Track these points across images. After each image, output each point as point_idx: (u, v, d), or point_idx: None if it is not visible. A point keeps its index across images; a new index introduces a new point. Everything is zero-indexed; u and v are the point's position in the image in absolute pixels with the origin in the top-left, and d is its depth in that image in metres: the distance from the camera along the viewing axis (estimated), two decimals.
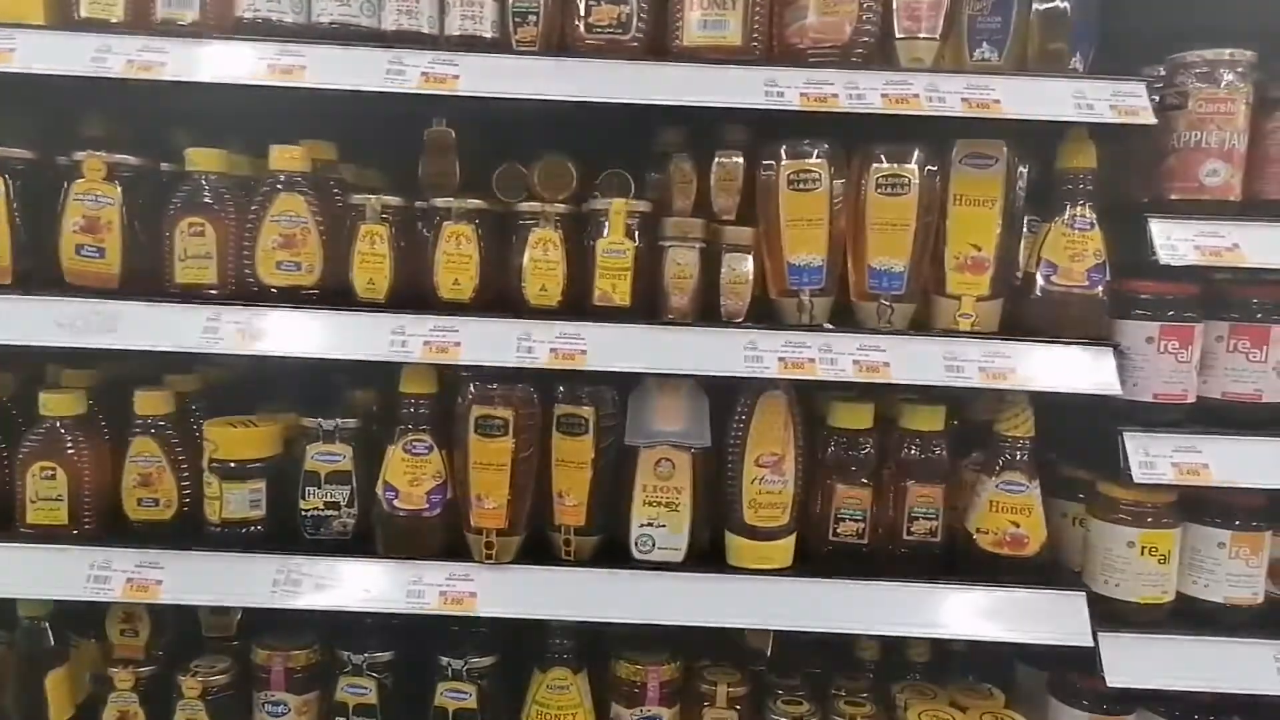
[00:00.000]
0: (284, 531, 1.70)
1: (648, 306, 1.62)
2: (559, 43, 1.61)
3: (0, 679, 1.75)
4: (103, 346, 1.55)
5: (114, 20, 1.57)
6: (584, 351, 1.57)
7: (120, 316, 1.57)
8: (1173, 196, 1.62)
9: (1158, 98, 1.62)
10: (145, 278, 1.64)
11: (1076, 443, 1.80)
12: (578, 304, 1.62)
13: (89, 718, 1.75)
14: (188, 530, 1.70)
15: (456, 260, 1.59)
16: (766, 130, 1.66)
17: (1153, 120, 1.50)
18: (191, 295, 1.61)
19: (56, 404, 1.65)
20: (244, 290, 1.63)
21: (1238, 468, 1.59)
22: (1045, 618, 1.65)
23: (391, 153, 1.86)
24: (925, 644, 2.00)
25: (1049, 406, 1.70)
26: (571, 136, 1.81)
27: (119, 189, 1.60)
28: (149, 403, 1.68)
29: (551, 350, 1.57)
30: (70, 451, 1.65)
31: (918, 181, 1.58)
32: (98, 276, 1.61)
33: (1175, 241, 1.54)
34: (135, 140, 1.77)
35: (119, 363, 1.81)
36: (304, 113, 1.79)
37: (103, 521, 1.69)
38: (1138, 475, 1.57)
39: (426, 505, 1.65)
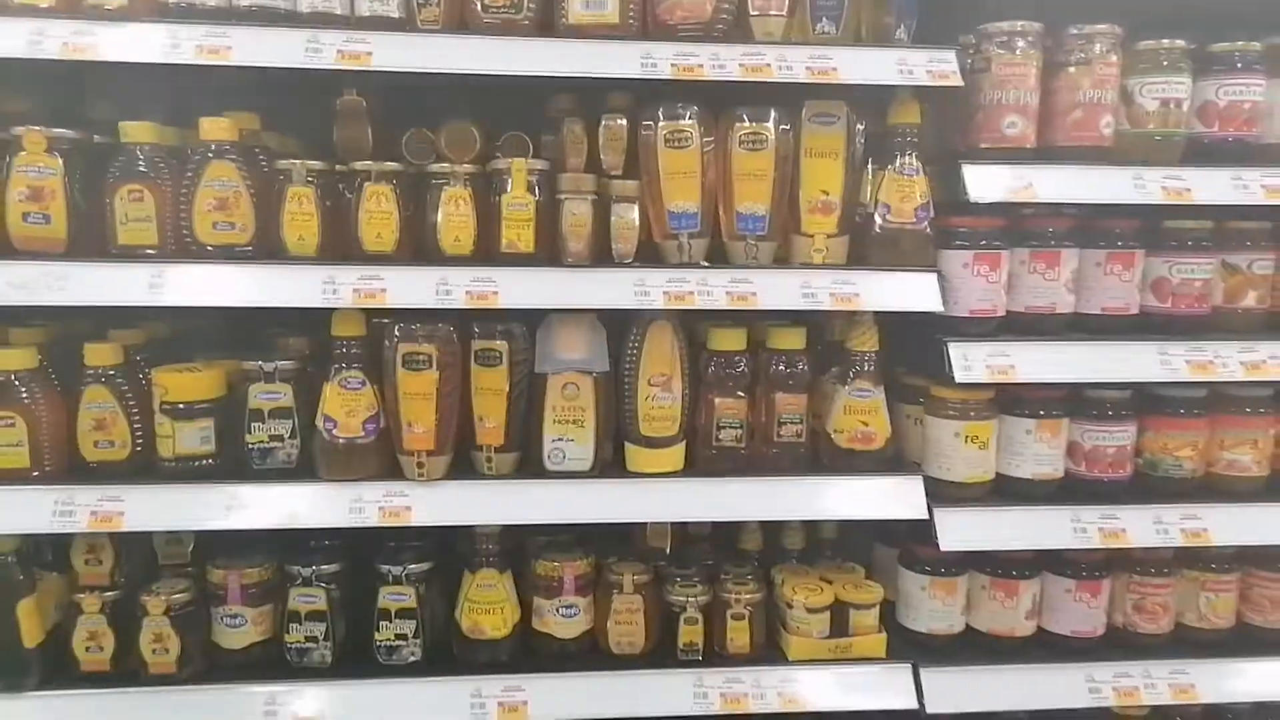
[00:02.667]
0: (233, 464, 1.91)
1: (549, 252, 1.87)
2: (459, 22, 1.81)
3: None
4: (56, 304, 1.72)
5: (43, 6, 1.71)
6: (496, 292, 1.81)
7: (69, 276, 1.73)
8: (982, 145, 1.94)
9: (970, 62, 1.94)
10: (90, 241, 1.80)
11: (919, 356, 2.13)
12: (488, 252, 1.86)
13: (58, 640, 1.93)
14: (141, 467, 1.89)
15: (378, 216, 1.81)
16: (650, 95, 1.91)
17: (960, 83, 1.81)
18: (134, 255, 1.79)
19: (9, 359, 1.81)
20: (183, 250, 1.81)
21: (1039, 367, 1.95)
22: (891, 498, 1.99)
23: (306, 121, 2.04)
24: (800, 533, 2.34)
25: (896, 326, 2.02)
26: (476, 104, 2.02)
27: (60, 160, 1.75)
28: (99, 354, 1.85)
29: (467, 292, 1.80)
30: (26, 401, 1.81)
31: (774, 138, 1.86)
32: (45, 241, 1.77)
33: (982, 182, 1.86)
34: (74, 116, 1.91)
35: (67, 322, 1.97)
36: (224, 87, 1.96)
37: (62, 464, 1.86)
38: (959, 376, 1.91)
39: (363, 433, 1.88)
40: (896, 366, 2.20)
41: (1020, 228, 1.98)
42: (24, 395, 1.81)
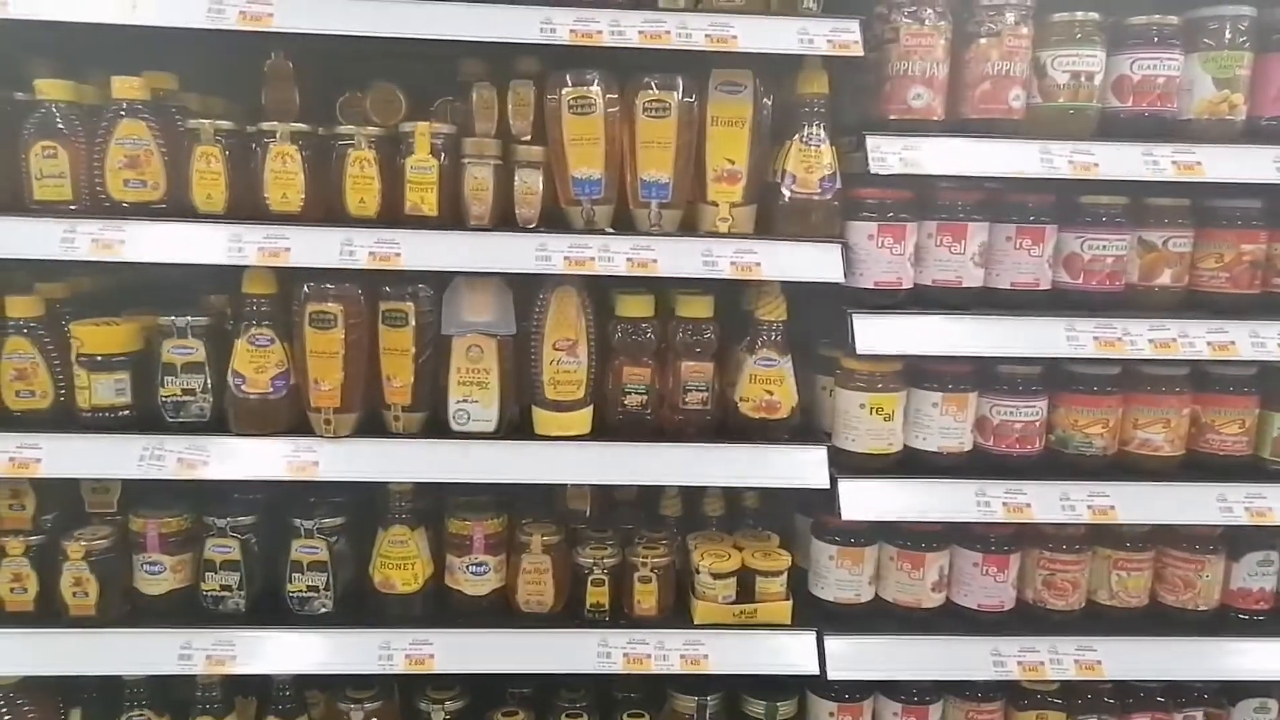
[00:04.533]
0: (149, 417, 1.97)
1: (454, 215, 1.90)
2: None
3: None
4: None
5: None
6: (399, 254, 1.85)
7: None
8: (890, 117, 1.93)
9: (881, 33, 1.93)
10: (8, 196, 1.86)
11: (837, 328, 2.14)
12: (393, 214, 1.89)
13: None
14: (63, 417, 1.95)
15: (283, 177, 1.84)
16: (564, 62, 1.92)
17: (861, 53, 1.81)
18: (49, 210, 1.84)
19: None
20: (98, 206, 1.86)
21: (941, 340, 1.95)
22: (794, 467, 2.01)
23: (243, 83, 2.08)
24: (719, 501, 2.38)
25: (817, 298, 2.03)
26: (404, 69, 2.05)
27: None
28: (20, 306, 1.92)
29: (370, 253, 1.84)
30: None
31: (677, 105, 1.87)
32: None
33: (884, 154, 1.86)
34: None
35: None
36: (161, 47, 1.98)
37: None
38: (860, 348, 1.92)
39: (271, 389, 1.93)
40: (821, 339, 2.21)
41: (928, 200, 1.97)
42: None
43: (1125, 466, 2.10)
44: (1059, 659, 2.10)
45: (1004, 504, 2.02)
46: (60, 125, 1.84)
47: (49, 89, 1.83)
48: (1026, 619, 2.16)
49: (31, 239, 1.79)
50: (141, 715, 2.08)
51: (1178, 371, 2.07)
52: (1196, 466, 2.11)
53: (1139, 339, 1.96)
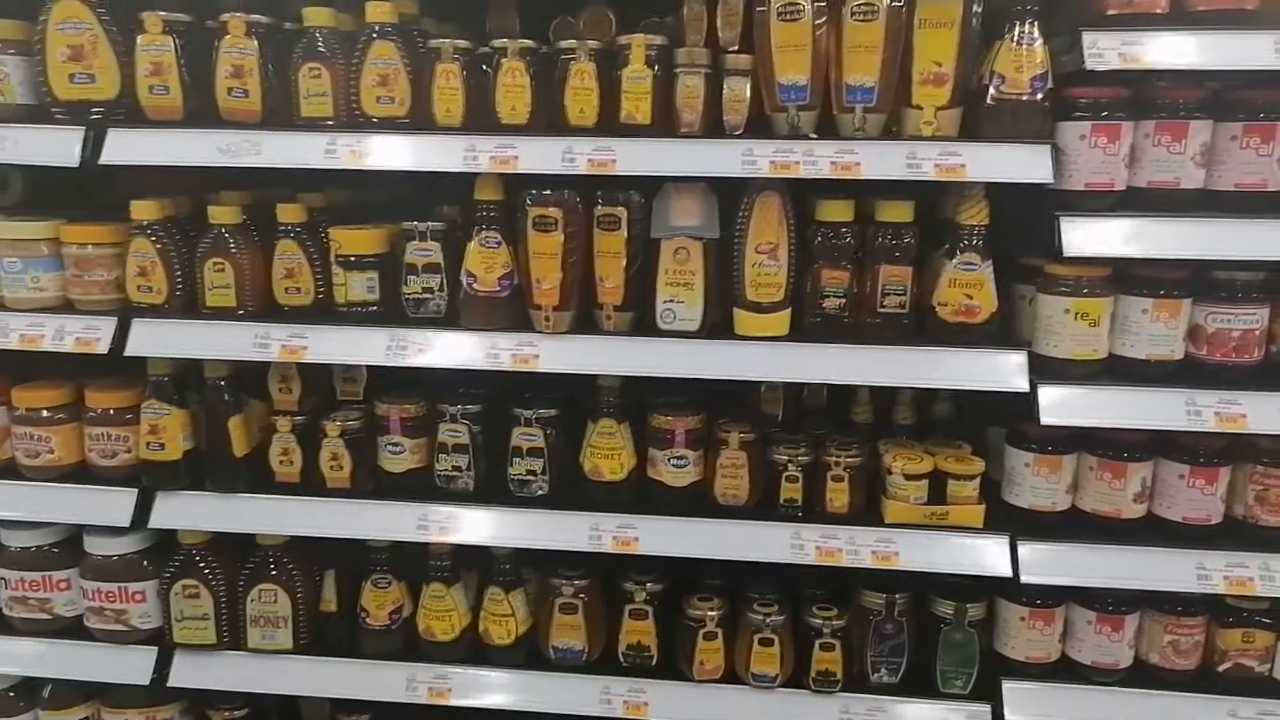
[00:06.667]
0: (394, 313, 2.21)
1: (665, 123, 2.02)
2: None
3: (197, 426, 2.34)
4: (252, 165, 2.05)
5: None
6: (614, 160, 1.98)
7: (263, 143, 2.06)
8: (1109, 12, 1.88)
9: None
10: (281, 113, 2.12)
11: (1038, 238, 2.13)
12: (609, 123, 2.03)
13: (260, 453, 2.34)
14: (322, 311, 2.23)
15: (513, 90, 2.01)
16: None
17: None
18: (313, 126, 2.09)
19: (221, 214, 2.17)
20: (353, 121, 2.09)
21: (1155, 243, 1.91)
22: (992, 370, 2.03)
23: (468, 8, 2.26)
24: (910, 409, 2.43)
25: (1015, 208, 2.03)
26: None
27: (256, 42, 2.06)
28: (289, 213, 2.18)
29: (589, 160, 1.99)
30: (234, 250, 2.17)
31: (885, 9, 1.90)
32: (245, 113, 2.10)
33: (1102, 50, 1.83)
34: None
35: (265, 189, 2.33)
36: None
37: (260, 306, 2.23)
38: (1068, 250, 1.91)
39: (499, 288, 2.12)
40: (1017, 250, 2.20)
41: (1145, 99, 1.92)
42: (231, 246, 2.18)
43: None
44: (1271, 576, 2.04)
45: (1216, 414, 1.97)
46: (322, 49, 2.07)
47: (314, 16, 2.07)
48: (1235, 535, 2.11)
49: (302, 149, 2.05)
50: (384, 578, 2.36)
51: None
52: None
53: None
